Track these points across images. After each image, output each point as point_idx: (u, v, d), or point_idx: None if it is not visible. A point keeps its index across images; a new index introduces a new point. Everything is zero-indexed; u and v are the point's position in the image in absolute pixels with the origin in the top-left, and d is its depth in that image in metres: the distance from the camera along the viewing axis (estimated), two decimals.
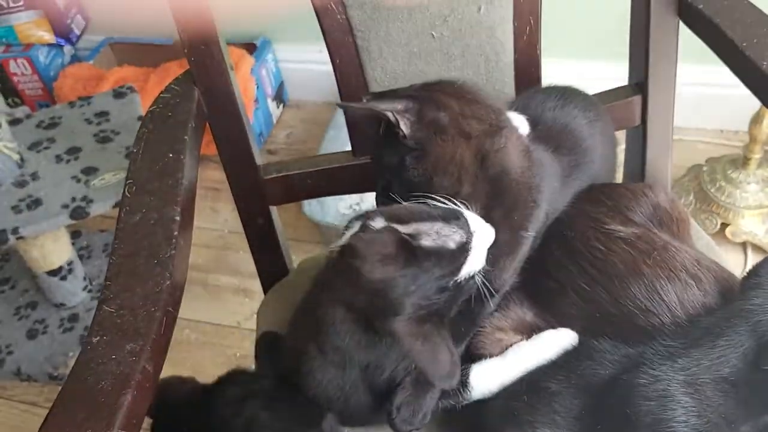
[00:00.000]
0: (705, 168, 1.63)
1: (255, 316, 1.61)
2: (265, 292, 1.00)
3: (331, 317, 0.68)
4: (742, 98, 1.64)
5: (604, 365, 0.64)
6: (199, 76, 0.84)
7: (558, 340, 0.69)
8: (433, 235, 0.61)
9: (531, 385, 0.65)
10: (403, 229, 0.61)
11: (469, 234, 0.62)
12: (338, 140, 1.83)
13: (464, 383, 0.68)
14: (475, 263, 0.63)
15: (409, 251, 0.61)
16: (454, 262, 0.62)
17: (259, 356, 0.91)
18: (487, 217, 0.66)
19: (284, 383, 0.82)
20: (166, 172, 0.75)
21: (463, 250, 0.62)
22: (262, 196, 0.92)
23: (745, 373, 0.59)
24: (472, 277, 0.63)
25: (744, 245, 1.56)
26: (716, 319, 0.64)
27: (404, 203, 0.66)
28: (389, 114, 0.67)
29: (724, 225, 1.56)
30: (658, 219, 0.77)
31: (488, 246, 0.64)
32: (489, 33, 0.86)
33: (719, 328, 0.62)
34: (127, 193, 0.74)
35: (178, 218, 0.71)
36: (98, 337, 0.61)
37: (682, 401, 0.59)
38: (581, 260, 0.72)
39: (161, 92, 0.85)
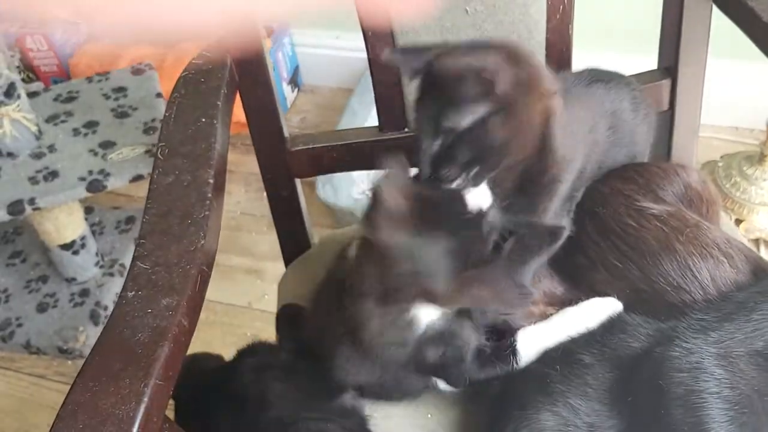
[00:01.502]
0: (720, 164, 1.63)
1: (266, 297, 1.64)
2: (287, 265, 1.00)
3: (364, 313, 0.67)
4: (757, 96, 1.66)
5: (637, 338, 0.64)
6: (232, 44, 0.84)
7: (603, 308, 0.69)
8: None
9: (565, 356, 0.65)
10: None
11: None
12: (352, 126, 1.82)
13: (513, 351, 0.68)
14: (480, 198, 0.63)
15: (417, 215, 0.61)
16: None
17: (280, 328, 0.91)
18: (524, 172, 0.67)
19: (304, 356, 0.82)
20: (199, 136, 0.75)
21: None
22: (288, 167, 0.92)
23: None
24: (485, 212, 0.63)
25: (758, 242, 1.56)
26: (750, 294, 0.64)
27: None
28: (491, 67, 0.61)
29: (738, 221, 1.56)
30: (689, 199, 0.77)
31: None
32: (523, 10, 0.86)
33: (754, 302, 0.62)
34: (159, 156, 0.74)
35: (211, 181, 0.71)
36: (133, 292, 0.60)
37: (715, 373, 0.58)
38: (613, 236, 0.71)
39: (193, 58, 0.85)
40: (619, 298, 0.70)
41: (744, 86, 1.65)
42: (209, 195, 0.69)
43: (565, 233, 0.67)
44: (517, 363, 0.69)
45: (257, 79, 0.86)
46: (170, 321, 0.57)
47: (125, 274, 1.72)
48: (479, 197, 0.64)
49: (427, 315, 0.66)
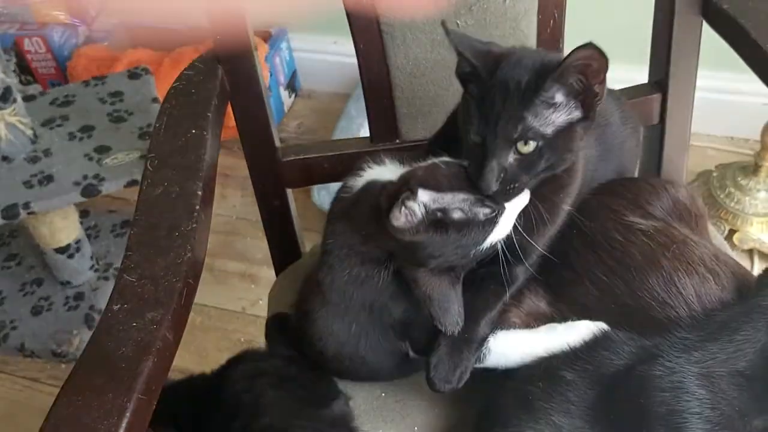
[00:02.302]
0: (715, 174, 1.63)
1: (260, 302, 1.64)
2: (277, 274, 1.00)
3: (336, 250, 0.70)
4: (752, 106, 1.66)
5: (619, 356, 0.64)
6: (224, 54, 0.84)
7: (587, 330, 0.69)
8: (465, 208, 0.62)
9: (547, 372, 0.65)
10: (437, 198, 0.62)
11: (500, 208, 0.63)
12: (349, 131, 1.83)
13: (485, 347, 0.70)
14: (499, 234, 0.64)
15: (440, 222, 0.62)
16: (480, 233, 0.63)
17: (269, 337, 0.91)
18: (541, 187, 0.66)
19: (294, 363, 0.82)
20: (188, 147, 0.76)
21: (491, 222, 0.63)
22: (279, 177, 0.93)
23: (761, 368, 0.60)
24: (495, 244, 0.65)
25: (751, 252, 1.57)
26: (733, 314, 0.64)
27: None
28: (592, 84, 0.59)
29: (732, 231, 1.56)
30: (678, 214, 0.77)
31: (519, 212, 0.65)
32: (513, 24, 0.86)
33: (736, 323, 0.63)
34: (149, 167, 0.74)
35: (200, 193, 0.71)
36: (119, 305, 0.61)
37: (696, 393, 0.59)
38: (600, 251, 0.72)
39: (185, 69, 0.86)
40: (604, 312, 0.70)
41: (739, 96, 1.66)
42: (197, 207, 0.70)
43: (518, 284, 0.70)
44: (482, 360, 0.69)
45: (248, 89, 0.86)
46: (154, 335, 0.58)
47: None
48: (499, 234, 0.65)
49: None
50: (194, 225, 0.68)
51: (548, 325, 0.71)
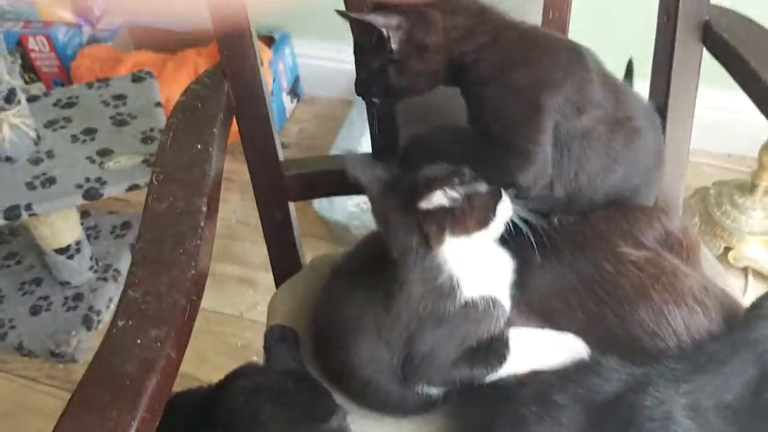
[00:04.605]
0: (712, 191, 1.65)
1: (258, 306, 1.65)
2: (277, 286, 1.01)
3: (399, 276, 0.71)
4: (750, 124, 1.67)
5: (610, 382, 0.65)
6: (230, 69, 0.85)
7: (574, 346, 0.72)
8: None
9: (540, 396, 0.66)
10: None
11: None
12: (350, 138, 1.84)
13: (506, 346, 0.72)
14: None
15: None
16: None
17: (268, 349, 0.92)
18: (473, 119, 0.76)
19: (293, 377, 0.84)
20: (194, 162, 0.77)
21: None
22: (282, 191, 0.94)
23: (748, 401, 0.61)
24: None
25: (745, 270, 1.58)
26: (721, 347, 0.65)
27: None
28: (384, 30, 0.73)
29: (728, 249, 1.58)
30: (669, 245, 0.79)
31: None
32: None
33: (724, 356, 0.64)
34: (154, 181, 0.75)
35: (204, 209, 0.72)
36: (123, 321, 0.62)
37: (684, 424, 0.60)
38: (591, 281, 0.73)
39: (191, 83, 0.87)
40: (595, 341, 0.71)
41: (737, 114, 1.67)
42: (201, 224, 0.71)
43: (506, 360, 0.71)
44: (506, 361, 0.71)
45: (253, 105, 0.88)
46: (158, 353, 0.59)
47: (119, 279, 1.73)
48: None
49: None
50: (198, 242, 0.69)
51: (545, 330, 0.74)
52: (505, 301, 0.72)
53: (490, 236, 0.71)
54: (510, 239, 0.74)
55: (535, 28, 0.81)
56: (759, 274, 1.57)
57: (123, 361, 0.58)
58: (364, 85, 0.79)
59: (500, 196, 0.71)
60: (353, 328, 0.76)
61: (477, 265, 0.71)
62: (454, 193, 0.68)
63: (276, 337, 0.92)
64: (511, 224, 0.73)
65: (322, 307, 0.84)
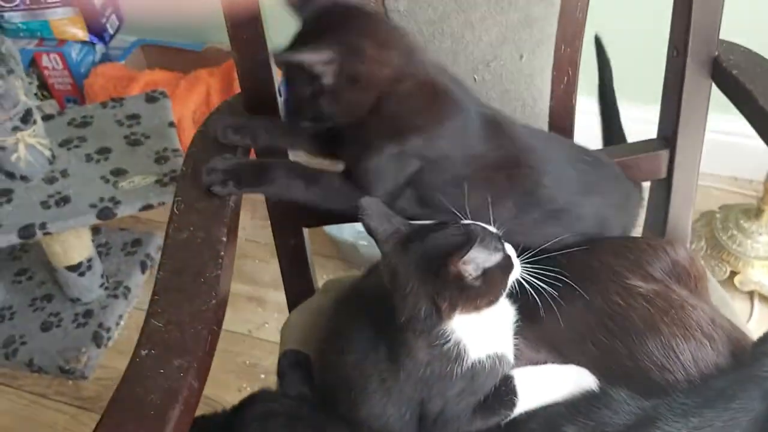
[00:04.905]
0: (718, 215, 1.66)
1: (266, 325, 1.67)
2: (290, 309, 1.02)
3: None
4: (756, 149, 1.69)
5: (619, 415, 0.67)
6: (250, 101, 0.87)
7: (582, 378, 0.73)
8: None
9: (549, 428, 0.68)
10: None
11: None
12: None
13: (513, 392, 0.71)
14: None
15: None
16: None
17: (282, 374, 0.93)
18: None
19: (306, 403, 0.85)
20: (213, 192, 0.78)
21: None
22: (298, 218, 0.95)
23: None
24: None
25: (751, 294, 1.59)
26: (730, 382, 0.67)
27: None
28: (316, 68, 0.71)
29: (734, 273, 1.59)
30: (677, 275, 0.80)
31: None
32: (528, 80, 0.89)
33: (732, 391, 0.65)
34: (175, 210, 0.77)
35: (224, 239, 0.74)
36: (147, 351, 0.64)
37: None
38: (600, 313, 0.75)
39: (212, 112, 0.88)
40: (605, 373, 0.73)
41: (744, 138, 1.69)
42: (222, 253, 0.73)
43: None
44: (516, 405, 0.71)
45: None
46: (181, 383, 0.60)
47: (129, 296, 1.74)
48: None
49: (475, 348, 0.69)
50: (219, 271, 0.71)
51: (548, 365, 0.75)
52: (510, 353, 0.72)
53: (498, 308, 0.71)
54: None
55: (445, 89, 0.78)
56: (765, 299, 1.58)
57: (147, 390, 0.60)
58: (293, 112, 0.78)
59: (512, 266, 0.70)
60: (361, 386, 0.73)
61: (483, 328, 0.70)
62: (474, 271, 0.66)
63: (289, 361, 0.93)
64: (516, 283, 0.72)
65: (327, 355, 0.82)
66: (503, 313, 0.73)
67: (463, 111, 0.76)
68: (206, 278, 0.70)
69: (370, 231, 0.71)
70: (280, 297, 1.05)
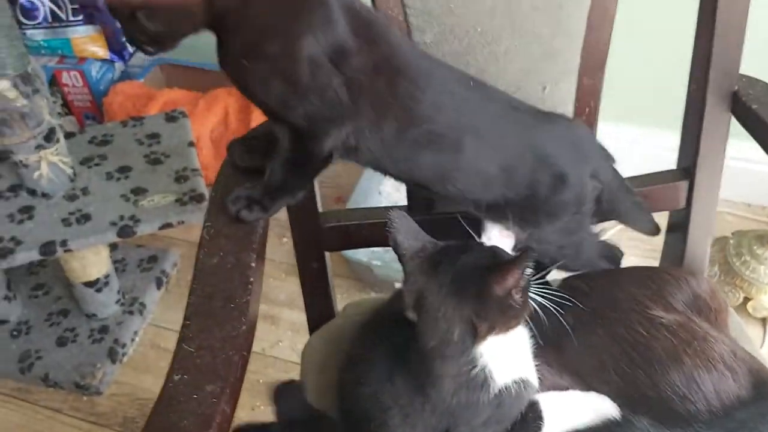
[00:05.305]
0: (731, 241, 1.67)
1: (280, 343, 1.68)
2: (311, 332, 1.04)
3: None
4: None
5: None
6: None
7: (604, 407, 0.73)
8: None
9: None
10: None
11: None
12: (374, 179, 1.88)
13: (539, 417, 0.71)
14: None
15: None
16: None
17: (277, 404, 0.89)
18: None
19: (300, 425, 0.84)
20: None
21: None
22: (320, 242, 0.97)
23: None
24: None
25: (764, 321, 1.60)
26: (750, 414, 0.68)
27: None
28: None
29: (747, 299, 1.59)
30: (698, 307, 0.81)
31: None
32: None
33: (753, 423, 0.67)
34: (205, 236, 0.78)
35: (253, 264, 0.75)
36: (179, 375, 0.65)
37: None
38: (623, 342, 0.76)
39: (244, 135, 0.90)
40: (627, 401, 0.74)
41: (757, 164, 1.70)
42: (251, 279, 0.74)
43: None
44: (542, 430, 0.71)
45: None
46: (214, 409, 0.61)
47: (144, 312, 1.75)
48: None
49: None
50: (248, 297, 0.72)
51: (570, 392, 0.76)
52: (533, 377, 0.72)
53: (519, 329, 0.71)
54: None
55: None
56: None
57: (181, 416, 0.61)
58: (128, 34, 0.74)
59: (529, 284, 0.69)
60: (380, 419, 0.72)
61: (507, 351, 0.69)
62: (519, 290, 0.65)
63: (285, 393, 0.91)
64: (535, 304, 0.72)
65: (345, 385, 0.81)
66: (522, 335, 0.72)
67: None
68: (236, 304, 0.71)
69: (396, 246, 0.70)
70: (294, 316, 1.05)
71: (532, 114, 0.81)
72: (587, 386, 0.76)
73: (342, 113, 0.74)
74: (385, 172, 0.80)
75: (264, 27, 0.72)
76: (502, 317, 0.66)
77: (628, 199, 0.88)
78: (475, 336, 0.66)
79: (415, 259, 0.70)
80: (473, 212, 0.80)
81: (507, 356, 0.69)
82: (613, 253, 0.91)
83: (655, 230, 0.92)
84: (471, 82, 0.79)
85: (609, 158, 0.85)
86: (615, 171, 0.85)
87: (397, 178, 0.82)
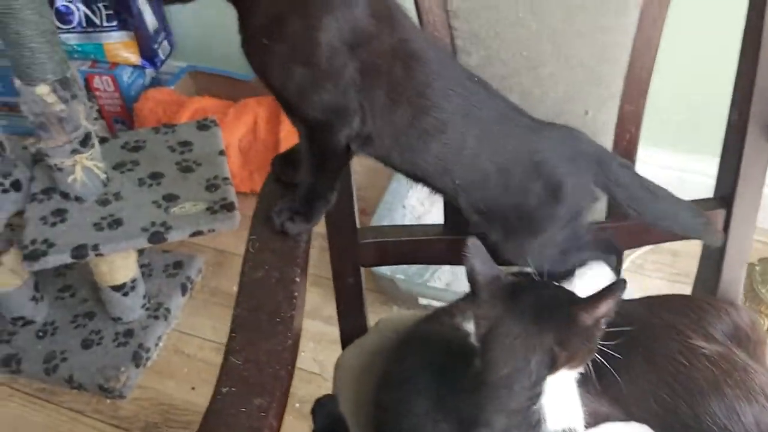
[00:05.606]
0: (758, 267, 1.66)
1: (302, 353, 1.68)
2: (344, 347, 1.04)
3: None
4: None
5: None
6: None
7: None
8: None
9: None
10: None
11: None
12: (399, 193, 1.89)
13: None
14: None
15: None
16: None
17: (315, 421, 0.92)
18: None
19: None
20: None
21: None
22: (357, 257, 0.98)
23: None
24: None
25: None
26: None
27: None
28: None
29: None
30: (738, 339, 0.81)
31: None
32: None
33: None
34: (250, 249, 0.80)
35: (298, 280, 0.76)
36: (227, 388, 0.66)
37: None
38: (664, 373, 0.76)
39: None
40: (667, 430, 0.74)
41: None
42: (295, 294, 0.75)
43: None
44: None
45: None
46: (263, 423, 0.62)
47: (169, 318, 1.76)
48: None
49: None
50: (293, 312, 0.73)
51: (609, 423, 0.75)
52: (581, 429, 0.70)
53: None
54: None
55: None
56: None
57: (230, 428, 0.62)
58: None
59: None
60: None
61: (563, 393, 0.68)
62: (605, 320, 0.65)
63: (323, 408, 0.92)
64: None
65: (383, 413, 0.80)
66: (573, 382, 0.71)
67: None
68: (282, 318, 0.72)
69: (471, 272, 0.69)
70: (316, 326, 1.06)
71: (534, 120, 0.82)
72: (627, 414, 0.76)
73: (357, 100, 0.75)
74: (392, 163, 0.81)
75: (284, 4, 0.72)
76: (581, 348, 0.65)
77: (662, 201, 0.85)
78: (553, 365, 0.65)
79: (488, 287, 0.69)
80: (466, 214, 0.82)
81: (562, 400, 0.68)
82: (609, 242, 0.91)
83: (713, 236, 0.90)
84: (475, 77, 0.81)
85: (624, 164, 0.84)
86: (634, 175, 0.85)
87: (401, 170, 0.83)
